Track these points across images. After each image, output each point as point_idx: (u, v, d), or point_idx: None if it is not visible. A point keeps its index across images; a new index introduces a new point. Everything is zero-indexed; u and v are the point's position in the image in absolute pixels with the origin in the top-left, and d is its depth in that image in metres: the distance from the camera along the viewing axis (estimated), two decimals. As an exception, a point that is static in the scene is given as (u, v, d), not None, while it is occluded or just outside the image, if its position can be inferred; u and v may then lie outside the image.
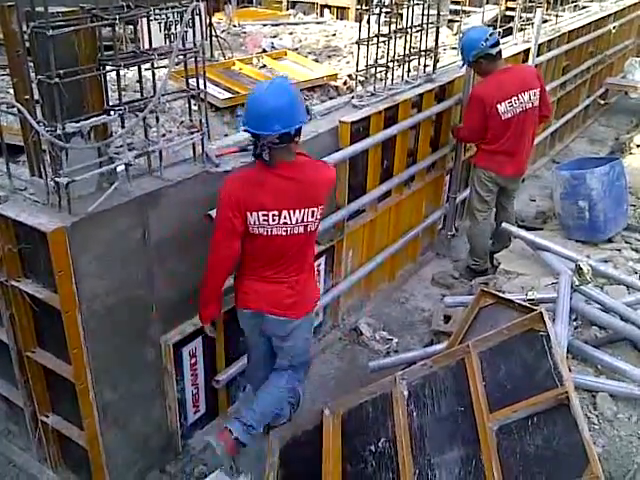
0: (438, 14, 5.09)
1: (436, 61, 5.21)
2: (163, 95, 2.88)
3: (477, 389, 2.72)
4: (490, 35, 4.71)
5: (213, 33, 7.84)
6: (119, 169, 2.88)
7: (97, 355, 2.87)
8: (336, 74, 7.24)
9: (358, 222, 4.52)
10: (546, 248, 4.13)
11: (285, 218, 2.96)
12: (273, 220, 2.95)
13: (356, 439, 3.03)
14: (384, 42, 4.52)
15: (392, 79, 4.75)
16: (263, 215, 2.93)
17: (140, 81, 2.97)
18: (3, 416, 3.57)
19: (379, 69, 4.60)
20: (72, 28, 2.50)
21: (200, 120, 3.18)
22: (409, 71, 4.97)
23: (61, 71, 2.51)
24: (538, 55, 6.52)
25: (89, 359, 2.83)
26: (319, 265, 4.23)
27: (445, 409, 2.82)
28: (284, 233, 2.99)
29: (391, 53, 4.62)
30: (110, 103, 2.82)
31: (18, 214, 2.67)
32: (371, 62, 4.61)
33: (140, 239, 2.93)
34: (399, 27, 4.73)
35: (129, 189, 2.86)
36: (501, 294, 3.27)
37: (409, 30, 4.71)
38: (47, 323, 2.96)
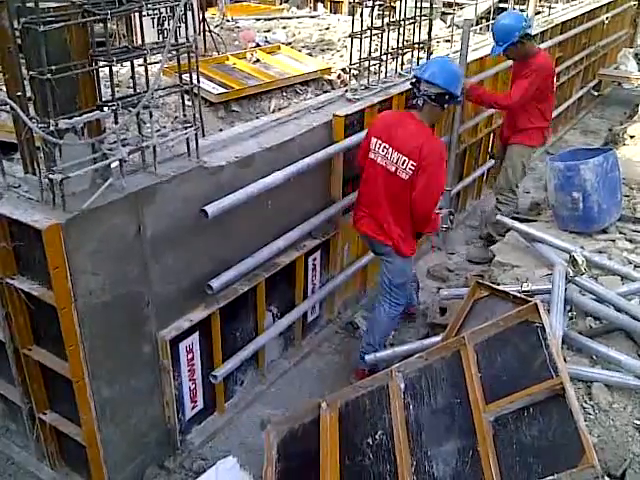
0: (431, 6, 5.08)
1: (429, 54, 5.21)
2: (156, 90, 2.88)
3: (473, 381, 2.73)
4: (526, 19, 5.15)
5: (206, 28, 7.84)
6: (113, 165, 2.87)
7: (94, 352, 2.87)
8: (330, 68, 7.26)
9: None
10: (540, 239, 4.14)
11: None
12: None
13: (354, 432, 3.03)
14: (378, 35, 4.52)
15: (386, 72, 4.75)
16: None
17: (133, 77, 2.96)
18: (1, 414, 3.58)
19: (373, 62, 4.59)
20: (63, 24, 2.48)
21: (194, 115, 3.18)
22: (402, 64, 4.97)
23: (53, 67, 2.50)
24: (532, 47, 6.52)
25: (86, 356, 2.83)
26: (314, 259, 4.24)
27: (441, 401, 2.83)
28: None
29: (384, 46, 4.62)
30: (103, 99, 2.81)
31: (12, 211, 2.67)
32: (365, 55, 4.60)
33: (135, 235, 2.93)
34: (392, 20, 4.72)
35: (123, 185, 2.85)
36: (496, 286, 3.28)
37: (402, 23, 4.71)
38: (43, 320, 2.96)
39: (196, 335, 3.40)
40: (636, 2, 11.34)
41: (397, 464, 2.73)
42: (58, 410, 3.20)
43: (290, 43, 8.92)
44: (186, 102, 3.29)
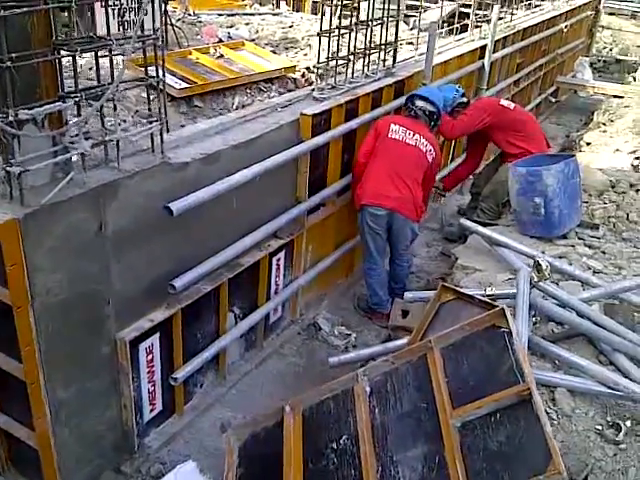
0: (398, 8, 5.09)
1: (395, 55, 5.21)
2: (121, 83, 2.78)
3: (440, 385, 2.72)
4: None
5: (168, 21, 7.67)
6: (74, 159, 2.76)
7: (50, 352, 2.75)
8: (294, 66, 7.20)
9: (318, 216, 4.49)
10: (503, 244, 4.18)
11: None
12: None
13: (317, 436, 2.99)
14: (344, 35, 4.47)
15: (353, 72, 4.72)
16: None
17: (97, 68, 2.85)
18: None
19: (340, 62, 4.55)
20: (26, 9, 2.37)
21: (159, 109, 3.09)
22: (369, 65, 4.95)
23: (13, 55, 2.38)
24: (494, 52, 6.61)
25: (41, 357, 2.71)
26: (279, 260, 4.18)
27: (407, 405, 2.82)
28: None
29: (351, 46, 4.59)
30: (65, 90, 2.70)
31: (-36, 205, 2.53)
32: (331, 55, 4.57)
33: (96, 231, 2.82)
34: (360, 20, 4.69)
35: (85, 180, 2.74)
36: (461, 290, 3.28)
37: (370, 23, 4.68)
38: (-5, 319, 2.83)
39: (156, 336, 3.30)
40: (593, 12, 11.62)
41: (362, 469, 2.70)
42: (8, 412, 3.06)
43: (253, 40, 8.80)
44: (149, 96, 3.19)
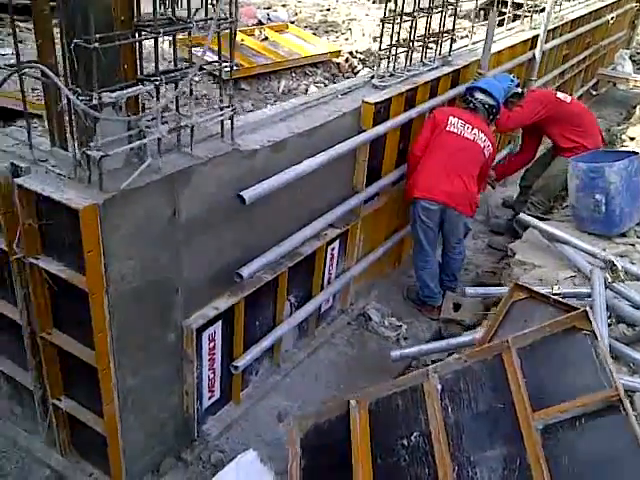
0: (457, -5, 4.96)
1: (452, 44, 5.09)
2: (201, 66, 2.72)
3: (518, 386, 2.65)
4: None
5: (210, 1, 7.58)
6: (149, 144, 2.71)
7: (120, 339, 2.71)
8: (339, 51, 7.09)
9: (372, 206, 4.42)
10: (565, 241, 4.09)
11: None
12: None
13: (386, 431, 2.94)
14: (403, 22, 4.35)
15: (411, 60, 4.61)
16: None
17: (174, 50, 2.79)
18: (6, 397, 3.41)
19: (400, 49, 4.44)
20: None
21: (230, 96, 3.03)
22: (426, 53, 4.84)
23: (98, 35, 2.33)
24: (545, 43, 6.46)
25: (113, 344, 2.68)
26: (333, 249, 4.12)
27: (483, 405, 2.75)
28: None
29: (412, 33, 4.48)
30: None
31: (43, 188, 2.48)
32: (382, 42, 4.45)
33: (170, 218, 2.77)
34: (420, 7, 4.58)
35: (160, 165, 2.69)
36: (535, 289, 3.20)
37: (431, 11, 4.57)
38: (66, 303, 2.80)
39: (219, 324, 3.27)
40: (637, 4, 11.35)
41: (436, 467, 2.66)
42: (73, 396, 3.05)
43: (293, 22, 8.70)
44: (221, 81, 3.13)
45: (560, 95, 5.46)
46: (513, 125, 5.28)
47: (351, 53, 7.38)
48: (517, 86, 5.22)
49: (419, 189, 4.32)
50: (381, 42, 4.25)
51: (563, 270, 3.98)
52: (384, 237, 4.77)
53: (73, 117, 2.59)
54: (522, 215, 4.42)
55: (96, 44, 2.28)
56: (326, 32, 8.63)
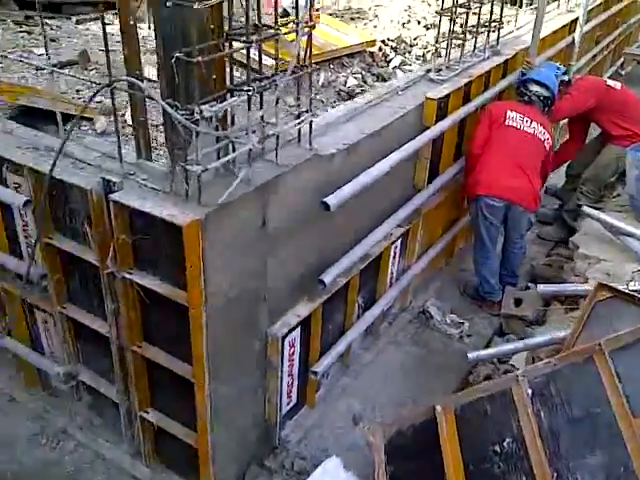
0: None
1: (499, 33, 5.01)
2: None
3: (615, 391, 2.63)
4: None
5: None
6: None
7: (214, 352, 2.70)
8: (374, 40, 6.98)
9: (432, 202, 4.37)
10: (629, 233, 4.04)
11: None
12: None
13: (475, 437, 2.93)
14: (458, 14, 4.27)
15: (462, 52, 4.54)
16: None
17: (260, 58, 2.75)
18: (85, 407, 3.41)
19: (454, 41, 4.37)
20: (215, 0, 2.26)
21: (310, 100, 2.99)
22: (476, 43, 4.77)
23: (197, 47, 2.28)
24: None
25: (208, 356, 2.67)
26: (396, 248, 4.09)
27: (577, 410, 2.73)
28: None
29: (462, 24, 4.42)
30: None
31: (142, 204, 2.45)
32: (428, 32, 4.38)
33: (259, 228, 2.75)
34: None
35: (249, 177, 2.65)
36: (620, 288, 3.16)
37: (484, 1, 4.49)
38: (156, 316, 2.79)
39: (298, 330, 3.25)
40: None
41: (534, 474, 2.65)
42: (160, 408, 3.04)
43: (318, 9, 8.57)
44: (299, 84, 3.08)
45: (610, 82, 5.38)
46: (564, 115, 5.21)
47: (383, 41, 7.26)
48: (564, 74, 5.15)
49: (482, 186, 4.26)
50: (438, 34, 4.18)
51: (629, 263, 3.94)
52: (441, 231, 4.74)
53: (164, 130, 2.57)
54: (585, 208, 4.37)
55: (199, 58, 2.24)
56: (352, 19, 8.49)
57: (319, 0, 9.37)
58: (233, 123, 2.69)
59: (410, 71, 7.08)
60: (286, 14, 8.22)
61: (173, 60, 2.26)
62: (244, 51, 2.60)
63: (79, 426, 3.41)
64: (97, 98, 4.58)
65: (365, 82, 6.50)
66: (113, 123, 2.69)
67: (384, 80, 6.80)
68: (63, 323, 3.17)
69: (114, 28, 7.35)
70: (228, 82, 2.60)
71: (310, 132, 3.02)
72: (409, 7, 8.78)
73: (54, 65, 4.11)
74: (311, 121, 3.00)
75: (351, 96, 5.82)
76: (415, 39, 8.02)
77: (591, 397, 2.72)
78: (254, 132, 2.72)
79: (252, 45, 2.54)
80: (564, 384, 2.83)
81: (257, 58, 2.72)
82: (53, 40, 5.94)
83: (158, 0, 2.24)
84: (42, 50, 5.67)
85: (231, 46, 2.55)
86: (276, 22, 2.69)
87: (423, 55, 7.98)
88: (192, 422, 2.88)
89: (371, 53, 7.10)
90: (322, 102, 5.12)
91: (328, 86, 6.11)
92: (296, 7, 2.84)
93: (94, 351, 3.15)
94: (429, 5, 9.47)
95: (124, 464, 3.22)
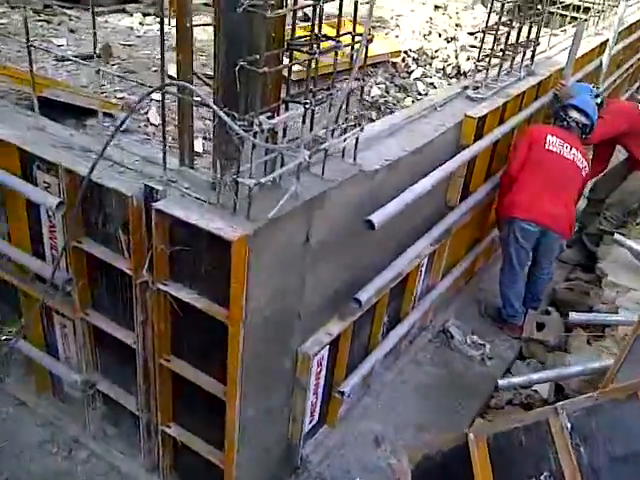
0: (543, 4, 4.80)
1: (534, 53, 4.94)
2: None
3: (662, 431, 2.56)
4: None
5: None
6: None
7: (247, 369, 2.60)
8: (399, 51, 6.91)
9: (461, 220, 4.28)
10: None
11: None
12: None
13: (510, 468, 2.85)
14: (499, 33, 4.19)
15: (499, 70, 4.46)
16: None
17: (316, 68, 2.65)
18: (99, 417, 3.28)
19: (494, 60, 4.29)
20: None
21: (360, 114, 2.89)
22: (512, 63, 4.69)
23: (261, 56, 2.18)
24: (613, 46, 6.31)
25: (242, 374, 2.57)
26: (422, 266, 3.99)
27: (620, 448, 2.64)
28: None
29: (502, 43, 4.34)
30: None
31: (187, 215, 2.34)
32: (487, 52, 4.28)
33: (302, 244, 2.65)
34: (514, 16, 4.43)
35: (298, 191, 2.55)
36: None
37: (523, 21, 4.42)
38: (187, 330, 2.68)
39: (327, 348, 3.15)
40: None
41: (574, 512, 2.57)
42: (182, 423, 2.93)
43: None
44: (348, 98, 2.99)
45: None
46: (597, 139, 5.12)
47: (405, 52, 7.20)
48: (597, 96, 5.08)
49: (519, 209, 4.17)
50: (480, 52, 4.10)
51: (659, 294, 3.89)
52: (464, 251, 4.65)
53: (213, 139, 2.47)
54: (617, 236, 4.30)
55: (265, 68, 2.14)
56: (373, 28, 8.41)
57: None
58: (285, 135, 2.59)
59: (431, 84, 7.08)
60: (307, 18, 8.14)
61: (237, 68, 2.16)
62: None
63: (92, 435, 3.28)
64: (119, 95, 4.51)
65: (387, 92, 6.43)
66: (160, 127, 2.57)
67: (405, 91, 6.76)
68: (84, 330, 3.04)
69: (133, 21, 7.17)
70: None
71: (355, 147, 2.92)
72: (430, 19, 8.71)
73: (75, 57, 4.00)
74: (357, 136, 2.91)
75: (377, 107, 5.76)
76: (436, 51, 7.97)
77: (634, 435, 2.64)
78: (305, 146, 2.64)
79: (316, 57, 2.44)
80: (605, 420, 2.74)
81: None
82: (72, 31, 5.82)
83: (227, 5, 2.12)
84: (62, 41, 5.56)
85: (291, 56, 2.46)
86: (338, 34, 2.59)
87: (443, 68, 7.95)
88: (217, 440, 2.77)
89: (394, 63, 7.03)
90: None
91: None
92: (354, 20, 2.73)
93: (114, 360, 3.03)
94: (450, 17, 9.43)
95: (140, 478, 3.10)
